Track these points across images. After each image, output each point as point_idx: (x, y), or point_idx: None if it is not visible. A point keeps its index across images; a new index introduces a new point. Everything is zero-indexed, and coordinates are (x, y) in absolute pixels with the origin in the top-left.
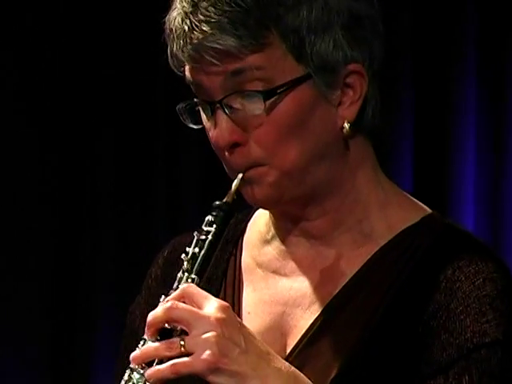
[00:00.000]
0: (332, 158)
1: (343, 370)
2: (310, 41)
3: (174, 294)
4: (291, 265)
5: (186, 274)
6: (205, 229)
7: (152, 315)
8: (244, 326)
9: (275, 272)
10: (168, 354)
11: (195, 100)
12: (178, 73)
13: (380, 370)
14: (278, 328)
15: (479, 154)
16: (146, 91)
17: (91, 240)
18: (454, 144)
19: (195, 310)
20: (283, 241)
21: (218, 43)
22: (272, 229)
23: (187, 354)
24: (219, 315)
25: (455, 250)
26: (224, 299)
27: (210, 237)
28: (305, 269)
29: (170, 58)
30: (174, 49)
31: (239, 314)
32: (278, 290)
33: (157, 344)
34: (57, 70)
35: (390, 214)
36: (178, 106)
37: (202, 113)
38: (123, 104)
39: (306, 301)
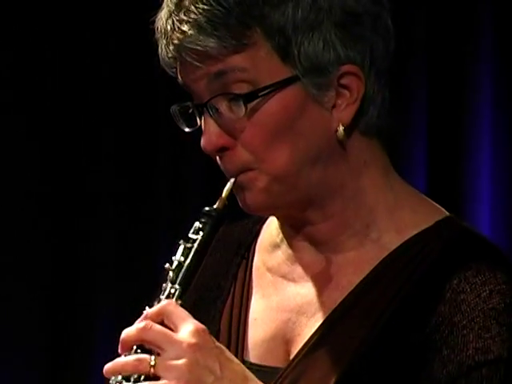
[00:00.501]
0: (328, 162)
1: (342, 380)
2: (296, 40)
3: (152, 310)
4: (299, 270)
5: (170, 285)
6: (192, 237)
7: (125, 333)
8: (222, 352)
9: (284, 277)
10: (135, 371)
11: (187, 103)
12: (171, 73)
13: (380, 380)
14: (283, 336)
15: (495, 152)
16: (147, 91)
17: (91, 240)
18: (469, 142)
19: (169, 333)
20: (291, 245)
21: (197, 44)
22: (281, 233)
23: (155, 375)
24: (193, 340)
25: (464, 259)
26: (232, 305)
27: (195, 245)
28: (312, 275)
29: (160, 58)
30: (160, 49)
31: (246, 320)
32: (286, 297)
33: (127, 358)
34: (56, 70)
35: (399, 218)
36: (172, 108)
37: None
38: (124, 104)
39: (311, 308)
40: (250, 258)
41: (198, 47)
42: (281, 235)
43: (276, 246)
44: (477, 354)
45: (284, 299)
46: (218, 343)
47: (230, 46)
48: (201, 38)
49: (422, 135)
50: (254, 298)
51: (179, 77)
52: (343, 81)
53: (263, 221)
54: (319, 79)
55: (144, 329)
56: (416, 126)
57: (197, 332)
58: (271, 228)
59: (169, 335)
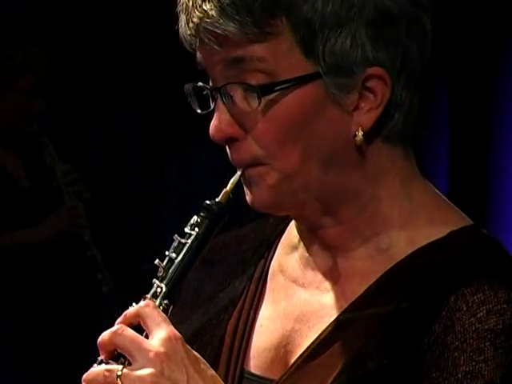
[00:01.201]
0: (343, 167)
1: None
2: (323, 35)
3: (131, 310)
4: (310, 275)
5: (157, 283)
6: (188, 231)
7: (101, 337)
8: (194, 363)
9: (295, 282)
10: (102, 382)
11: (202, 84)
12: (190, 50)
13: None
14: (284, 345)
15: None
16: None
17: None
18: (495, 144)
19: (139, 339)
20: (307, 248)
21: (216, 26)
22: (298, 234)
23: None
24: (162, 349)
25: (466, 274)
26: (242, 308)
27: (189, 242)
28: (321, 281)
29: (180, 32)
30: (180, 24)
31: (252, 326)
32: (293, 303)
33: (97, 368)
34: None
35: (413, 228)
36: (186, 86)
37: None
38: None
39: (314, 317)
40: (269, 259)
41: (218, 30)
42: (297, 237)
43: (294, 248)
44: (466, 379)
45: (291, 306)
46: (193, 353)
47: (252, 34)
48: (221, 20)
49: (444, 136)
50: (264, 303)
51: (197, 56)
52: (368, 83)
53: (289, 220)
54: (342, 79)
55: (115, 333)
56: (437, 128)
57: (168, 340)
58: (293, 228)
59: (138, 342)
